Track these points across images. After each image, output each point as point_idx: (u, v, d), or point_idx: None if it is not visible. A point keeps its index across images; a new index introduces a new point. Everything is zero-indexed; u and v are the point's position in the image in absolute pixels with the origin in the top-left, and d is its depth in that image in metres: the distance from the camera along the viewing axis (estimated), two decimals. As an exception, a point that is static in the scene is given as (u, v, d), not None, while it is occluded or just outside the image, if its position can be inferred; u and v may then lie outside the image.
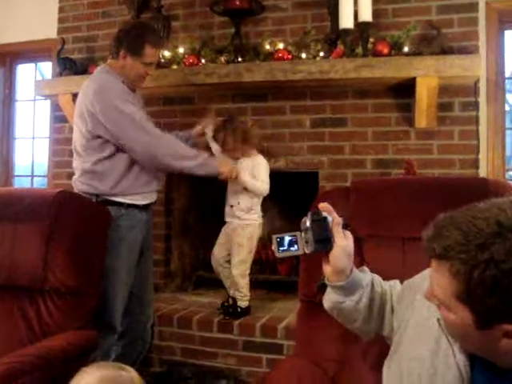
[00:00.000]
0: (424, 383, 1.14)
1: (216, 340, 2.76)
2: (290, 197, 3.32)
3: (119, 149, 2.41)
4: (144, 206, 2.53)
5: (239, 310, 2.82)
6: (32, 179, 4.46)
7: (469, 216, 1.00)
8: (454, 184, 1.89)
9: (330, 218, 1.24)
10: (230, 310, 2.83)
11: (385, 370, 1.30)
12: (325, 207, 1.26)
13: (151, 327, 2.74)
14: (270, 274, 3.47)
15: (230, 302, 2.88)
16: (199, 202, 3.62)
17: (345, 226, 1.26)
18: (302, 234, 1.24)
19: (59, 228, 2.18)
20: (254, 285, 3.00)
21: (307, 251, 1.24)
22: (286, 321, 2.74)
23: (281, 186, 3.07)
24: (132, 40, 2.44)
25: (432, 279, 1.07)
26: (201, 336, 2.79)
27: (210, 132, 2.83)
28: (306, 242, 1.23)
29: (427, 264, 1.57)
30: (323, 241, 1.22)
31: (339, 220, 1.24)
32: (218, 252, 2.93)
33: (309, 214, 1.24)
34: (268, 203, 2.90)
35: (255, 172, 2.79)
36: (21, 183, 4.50)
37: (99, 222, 2.31)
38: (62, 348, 1.90)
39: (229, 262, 2.88)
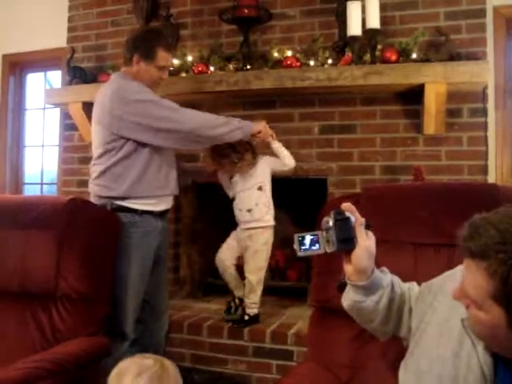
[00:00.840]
0: None
1: (226, 346, 2.76)
2: (298, 204, 3.33)
3: (137, 149, 2.41)
4: (159, 213, 2.52)
5: (247, 317, 2.81)
6: (41, 187, 4.49)
7: (505, 217, 1.01)
8: (465, 190, 1.89)
9: (353, 218, 1.25)
10: (239, 317, 2.83)
11: (401, 371, 1.30)
12: (347, 207, 1.27)
13: (165, 335, 2.73)
14: (280, 280, 3.47)
15: (237, 302, 2.90)
16: (207, 209, 3.64)
17: (367, 227, 1.27)
18: (324, 233, 1.25)
19: (71, 235, 2.19)
20: (264, 291, 3.00)
21: (329, 250, 1.24)
22: (296, 327, 2.74)
23: (289, 192, 3.08)
24: (144, 44, 2.47)
25: (465, 279, 1.07)
26: (211, 342, 2.80)
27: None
28: (328, 241, 1.24)
29: (438, 269, 1.59)
30: (346, 240, 1.24)
31: (362, 220, 1.26)
32: (226, 256, 2.90)
33: (332, 214, 1.24)
34: (276, 210, 2.90)
35: (274, 165, 2.83)
36: (29, 191, 4.53)
37: (110, 229, 2.32)
38: (75, 354, 1.91)
39: (235, 265, 2.89)
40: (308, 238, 1.25)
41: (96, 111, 2.50)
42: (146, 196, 2.45)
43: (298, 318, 2.89)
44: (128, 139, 2.40)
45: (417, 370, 1.23)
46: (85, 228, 2.23)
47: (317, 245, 1.25)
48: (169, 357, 2.77)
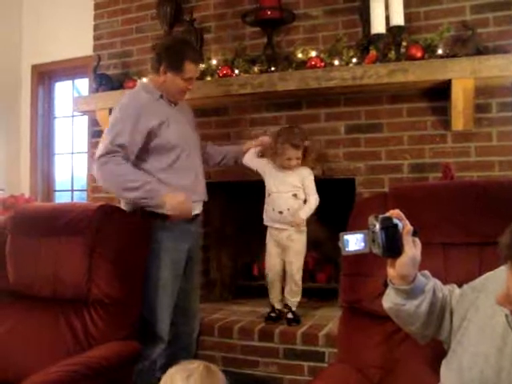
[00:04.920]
0: (487, 380, 1.13)
1: (257, 348, 2.76)
2: (326, 205, 3.31)
3: (144, 159, 2.45)
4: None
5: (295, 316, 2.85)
6: (72, 193, 4.56)
7: None
8: (496, 187, 1.84)
9: (400, 225, 1.24)
10: (292, 318, 2.85)
11: (442, 369, 1.29)
12: (396, 213, 1.25)
13: (196, 338, 2.75)
14: (309, 281, 3.46)
15: (277, 312, 2.90)
16: (236, 212, 3.64)
17: (414, 233, 1.25)
18: (370, 233, 1.24)
19: (101, 241, 2.23)
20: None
21: (374, 251, 1.24)
22: (327, 328, 2.73)
23: (318, 194, 3.06)
24: (172, 57, 2.47)
25: (510, 285, 1.03)
26: (242, 344, 2.80)
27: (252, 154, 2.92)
28: (373, 241, 1.23)
29: (468, 268, 1.56)
30: (392, 248, 1.23)
31: (410, 228, 1.24)
32: (276, 265, 2.89)
33: (379, 219, 1.23)
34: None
35: (306, 184, 2.83)
36: (61, 198, 4.62)
37: (140, 234, 2.35)
38: (107, 357, 1.94)
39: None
40: (354, 237, 1.24)
41: None
42: None
43: (329, 320, 2.87)
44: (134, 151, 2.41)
45: (459, 367, 1.21)
46: (115, 234, 2.27)
47: (362, 244, 1.24)
48: (199, 360, 2.80)
